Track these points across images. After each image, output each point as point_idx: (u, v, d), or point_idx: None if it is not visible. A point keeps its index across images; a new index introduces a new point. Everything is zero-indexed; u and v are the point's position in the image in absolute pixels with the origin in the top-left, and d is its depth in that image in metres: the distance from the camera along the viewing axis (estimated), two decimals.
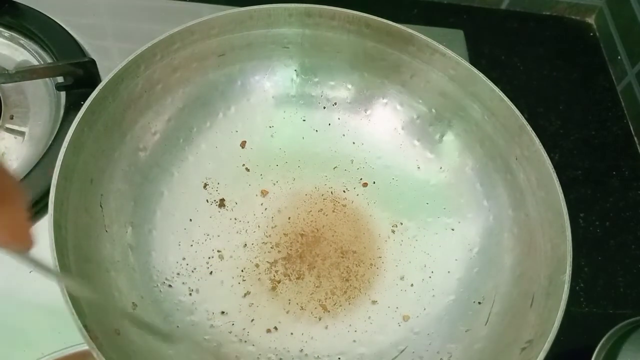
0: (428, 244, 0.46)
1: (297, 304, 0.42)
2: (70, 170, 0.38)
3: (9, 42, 0.54)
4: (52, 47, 0.52)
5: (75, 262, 0.36)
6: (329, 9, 0.47)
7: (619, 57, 0.65)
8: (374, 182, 0.49)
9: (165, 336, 0.37)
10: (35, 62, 0.53)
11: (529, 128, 0.43)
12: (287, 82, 0.51)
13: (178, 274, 0.42)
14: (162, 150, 0.46)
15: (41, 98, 0.51)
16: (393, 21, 0.47)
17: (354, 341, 0.42)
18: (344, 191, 0.48)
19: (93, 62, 0.50)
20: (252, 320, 0.41)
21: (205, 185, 0.47)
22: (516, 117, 0.44)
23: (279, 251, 0.45)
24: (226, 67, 0.48)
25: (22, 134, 0.49)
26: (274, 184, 0.48)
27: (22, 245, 0.23)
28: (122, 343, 0.36)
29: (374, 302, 0.43)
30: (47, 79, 0.52)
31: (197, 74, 0.47)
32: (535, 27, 0.68)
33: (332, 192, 0.48)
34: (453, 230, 0.47)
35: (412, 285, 0.44)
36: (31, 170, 0.44)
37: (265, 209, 0.47)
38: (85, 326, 0.32)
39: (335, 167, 0.50)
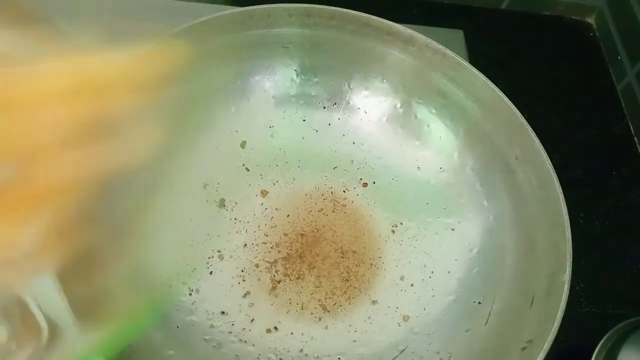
0: (428, 244, 0.46)
1: (297, 304, 0.42)
2: None
3: None
4: None
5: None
6: (329, 9, 0.47)
7: (619, 57, 0.65)
8: (374, 182, 0.49)
9: None
10: None
11: (529, 128, 0.43)
12: (287, 82, 0.51)
13: (178, 273, 0.42)
14: (162, 151, 0.46)
15: None
16: (393, 21, 0.47)
17: (354, 341, 0.42)
18: (344, 191, 0.48)
19: None
20: (252, 320, 0.41)
21: (205, 185, 0.47)
22: (516, 117, 0.44)
23: (279, 251, 0.45)
24: (226, 67, 0.48)
25: None
26: (274, 184, 0.48)
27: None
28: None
29: (374, 302, 0.43)
30: None
31: (197, 73, 0.47)
32: (535, 27, 0.68)
33: (332, 192, 0.48)
34: (453, 230, 0.47)
35: (412, 285, 0.44)
36: None
37: (265, 208, 0.47)
38: None
39: (335, 167, 0.50)
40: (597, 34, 0.69)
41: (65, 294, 0.31)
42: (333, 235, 0.46)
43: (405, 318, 0.43)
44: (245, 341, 0.40)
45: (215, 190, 0.47)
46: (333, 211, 0.47)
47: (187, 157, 0.47)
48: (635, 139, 0.61)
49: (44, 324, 0.36)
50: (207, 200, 0.46)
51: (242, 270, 0.43)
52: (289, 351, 0.40)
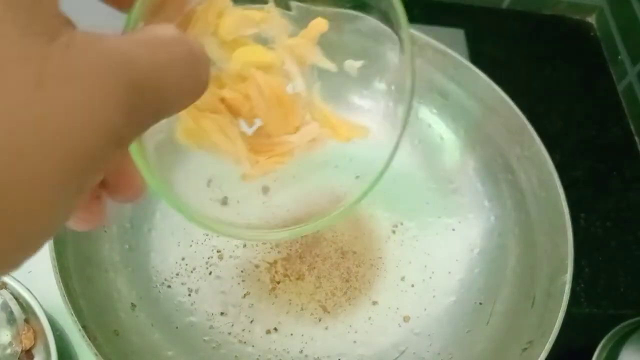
0: (429, 245, 0.46)
1: (297, 304, 0.42)
2: None
3: None
4: None
5: (75, 262, 0.36)
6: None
7: (620, 57, 0.64)
8: None
9: None
10: None
11: (530, 128, 0.43)
12: None
13: (177, 274, 0.42)
14: (163, 149, 0.46)
15: None
16: None
17: (354, 342, 0.41)
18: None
19: None
20: (252, 321, 0.41)
21: (209, 183, 0.46)
22: (517, 117, 0.44)
23: (278, 251, 0.44)
24: None
25: None
26: (274, 182, 0.48)
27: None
28: (121, 343, 0.36)
29: (374, 302, 0.43)
30: None
31: None
32: (535, 27, 0.68)
33: (332, 192, 0.48)
34: (454, 230, 0.47)
35: (412, 285, 0.44)
36: None
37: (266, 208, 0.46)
38: (84, 327, 0.32)
39: (336, 166, 0.49)
40: (598, 34, 0.69)
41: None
42: (333, 236, 0.46)
43: (406, 319, 0.43)
44: (245, 342, 0.40)
45: (219, 188, 0.47)
46: None
47: (188, 156, 0.47)
48: (636, 138, 0.61)
49: (47, 327, 0.35)
50: (210, 199, 0.46)
51: (241, 271, 0.43)
52: (288, 352, 0.40)
